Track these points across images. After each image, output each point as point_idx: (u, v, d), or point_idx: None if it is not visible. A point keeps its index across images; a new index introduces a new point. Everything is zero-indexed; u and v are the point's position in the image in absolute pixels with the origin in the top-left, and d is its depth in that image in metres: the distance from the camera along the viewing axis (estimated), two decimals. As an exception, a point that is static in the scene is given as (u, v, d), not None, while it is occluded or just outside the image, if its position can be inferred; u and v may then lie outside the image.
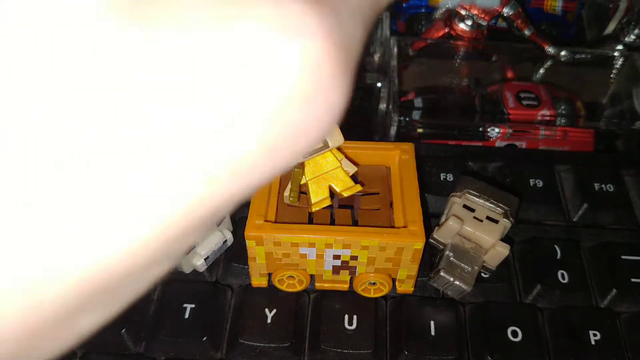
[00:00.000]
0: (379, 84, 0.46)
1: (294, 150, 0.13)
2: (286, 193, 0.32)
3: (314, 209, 0.31)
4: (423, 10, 0.56)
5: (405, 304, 0.34)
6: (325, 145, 0.31)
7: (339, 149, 0.32)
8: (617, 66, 0.51)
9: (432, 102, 0.48)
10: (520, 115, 0.46)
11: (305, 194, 0.32)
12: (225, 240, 0.35)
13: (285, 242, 0.31)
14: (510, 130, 0.46)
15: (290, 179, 0.31)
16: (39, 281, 0.10)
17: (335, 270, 0.33)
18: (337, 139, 0.31)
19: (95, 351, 0.33)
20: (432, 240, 0.35)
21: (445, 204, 0.36)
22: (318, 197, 0.31)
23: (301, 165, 0.31)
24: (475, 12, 0.48)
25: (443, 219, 0.36)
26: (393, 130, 0.45)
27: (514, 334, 0.33)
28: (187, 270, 0.35)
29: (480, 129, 0.46)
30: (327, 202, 0.32)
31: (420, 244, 0.30)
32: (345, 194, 0.32)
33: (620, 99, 0.50)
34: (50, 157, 0.10)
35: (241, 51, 0.11)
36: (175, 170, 0.11)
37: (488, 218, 0.33)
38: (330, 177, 0.32)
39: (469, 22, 0.49)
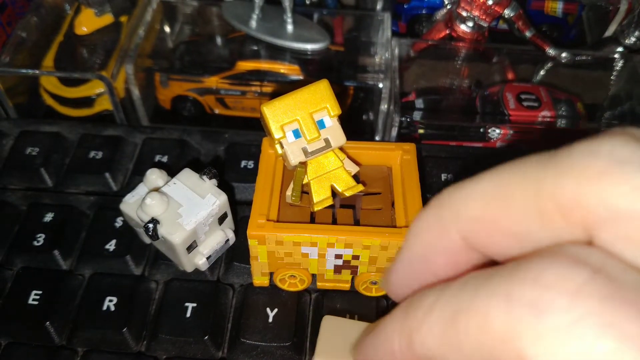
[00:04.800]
0: (380, 85, 0.46)
1: None
2: (288, 192, 0.32)
3: (316, 209, 0.32)
4: (424, 12, 0.56)
5: (406, 304, 0.34)
6: (328, 145, 0.31)
7: (341, 148, 0.32)
8: (618, 68, 0.51)
9: (433, 103, 0.49)
10: (521, 117, 0.46)
11: (308, 193, 0.32)
12: (227, 240, 0.35)
13: (287, 241, 0.31)
14: (511, 132, 0.46)
15: (293, 179, 0.32)
16: None
17: (337, 269, 0.33)
18: (339, 139, 0.31)
19: (97, 349, 0.33)
20: (433, 240, 0.35)
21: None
22: (320, 197, 0.31)
23: (304, 165, 0.31)
24: (476, 13, 0.49)
25: (444, 219, 0.36)
26: (394, 131, 0.45)
27: (515, 334, 0.33)
28: (189, 269, 0.35)
29: (481, 130, 0.46)
30: (329, 202, 0.32)
31: (421, 244, 0.30)
32: (347, 194, 0.32)
33: (620, 101, 0.50)
34: None
35: None
36: None
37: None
38: (332, 176, 0.32)
39: (470, 24, 0.50)
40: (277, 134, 0.30)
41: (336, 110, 0.31)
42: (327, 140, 0.31)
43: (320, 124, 0.31)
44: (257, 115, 0.52)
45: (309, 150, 0.31)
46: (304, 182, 0.32)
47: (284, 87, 0.48)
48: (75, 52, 0.50)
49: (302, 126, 0.30)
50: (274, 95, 0.49)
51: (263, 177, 0.33)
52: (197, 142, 0.44)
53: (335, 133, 0.31)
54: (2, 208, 0.39)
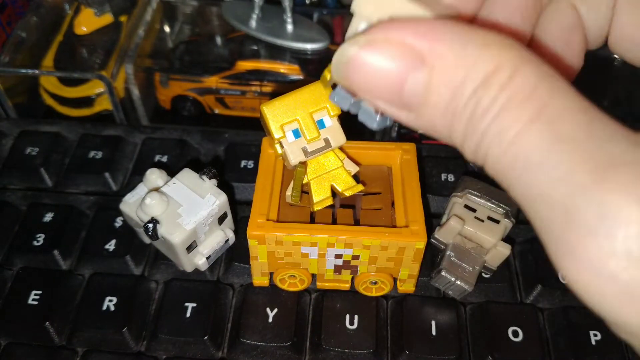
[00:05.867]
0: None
1: None
2: (288, 192, 0.32)
3: (316, 209, 0.31)
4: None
5: (406, 304, 0.34)
6: (328, 145, 0.31)
7: (341, 148, 0.32)
8: (618, 68, 0.51)
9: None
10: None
11: (307, 193, 0.32)
12: (227, 240, 0.35)
13: (287, 241, 0.31)
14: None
15: (293, 179, 0.32)
16: None
17: (337, 269, 0.33)
18: (339, 138, 0.31)
19: (97, 349, 0.33)
20: (433, 240, 0.35)
21: (447, 204, 0.36)
22: (320, 197, 0.31)
23: (304, 165, 0.31)
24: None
25: (444, 219, 0.36)
26: (394, 131, 0.45)
27: (515, 333, 0.33)
28: (189, 269, 0.35)
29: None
30: (329, 202, 0.32)
31: (421, 244, 0.30)
32: (347, 194, 0.32)
33: (620, 102, 0.50)
34: None
35: None
36: None
37: (489, 218, 0.34)
38: (332, 176, 0.32)
39: (470, 24, 0.50)
40: (276, 133, 0.30)
41: (336, 110, 0.31)
42: (327, 140, 0.31)
43: (320, 124, 0.31)
44: (257, 115, 0.52)
45: (309, 150, 0.31)
46: (303, 182, 0.32)
47: (284, 86, 0.48)
48: (75, 52, 0.50)
49: (302, 126, 0.30)
50: (274, 95, 0.49)
51: (263, 177, 0.33)
52: (197, 142, 0.44)
53: (335, 133, 0.31)
54: (2, 208, 0.39)
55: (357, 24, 0.21)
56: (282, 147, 0.31)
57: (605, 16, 0.25)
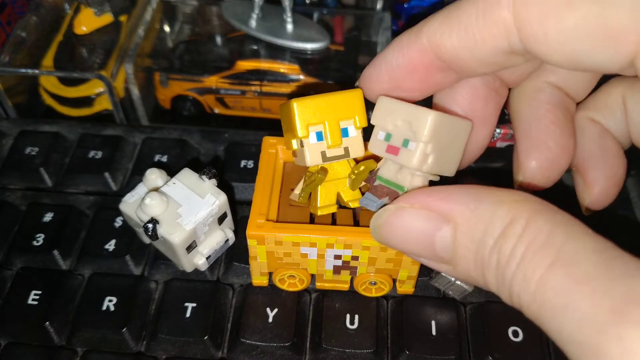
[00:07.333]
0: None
1: None
2: (296, 191, 0.32)
3: (319, 213, 0.31)
4: (424, 11, 0.56)
5: (406, 304, 0.34)
6: (346, 154, 0.30)
7: (355, 160, 0.32)
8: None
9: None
10: (521, 116, 0.46)
11: (310, 194, 0.32)
12: (227, 240, 0.35)
13: (287, 242, 0.31)
14: (511, 131, 0.46)
15: (305, 179, 0.31)
16: None
17: (336, 270, 0.33)
18: (359, 150, 0.30)
19: (97, 349, 0.33)
20: (433, 240, 0.35)
21: (447, 204, 0.36)
22: (325, 202, 0.31)
23: (325, 173, 0.30)
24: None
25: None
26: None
27: (515, 334, 0.33)
28: (189, 269, 0.35)
29: (481, 130, 0.46)
30: (333, 210, 0.31)
31: (421, 244, 0.30)
32: (352, 205, 0.32)
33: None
34: None
35: None
36: None
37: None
38: (340, 184, 0.31)
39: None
40: (301, 132, 0.29)
41: (363, 122, 0.30)
42: (346, 149, 0.30)
43: (344, 132, 0.30)
44: (257, 114, 0.52)
45: (327, 156, 0.30)
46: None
47: (284, 86, 0.48)
48: (75, 52, 0.50)
49: (327, 130, 0.30)
50: (273, 95, 0.49)
51: (263, 177, 0.33)
52: (196, 141, 0.44)
53: (356, 144, 0.30)
54: (2, 208, 0.39)
55: (377, 132, 0.29)
56: (300, 145, 0.30)
57: (622, 119, 0.28)
